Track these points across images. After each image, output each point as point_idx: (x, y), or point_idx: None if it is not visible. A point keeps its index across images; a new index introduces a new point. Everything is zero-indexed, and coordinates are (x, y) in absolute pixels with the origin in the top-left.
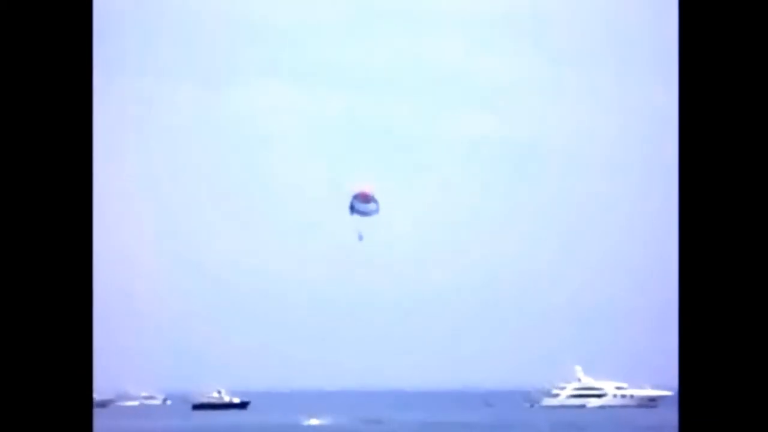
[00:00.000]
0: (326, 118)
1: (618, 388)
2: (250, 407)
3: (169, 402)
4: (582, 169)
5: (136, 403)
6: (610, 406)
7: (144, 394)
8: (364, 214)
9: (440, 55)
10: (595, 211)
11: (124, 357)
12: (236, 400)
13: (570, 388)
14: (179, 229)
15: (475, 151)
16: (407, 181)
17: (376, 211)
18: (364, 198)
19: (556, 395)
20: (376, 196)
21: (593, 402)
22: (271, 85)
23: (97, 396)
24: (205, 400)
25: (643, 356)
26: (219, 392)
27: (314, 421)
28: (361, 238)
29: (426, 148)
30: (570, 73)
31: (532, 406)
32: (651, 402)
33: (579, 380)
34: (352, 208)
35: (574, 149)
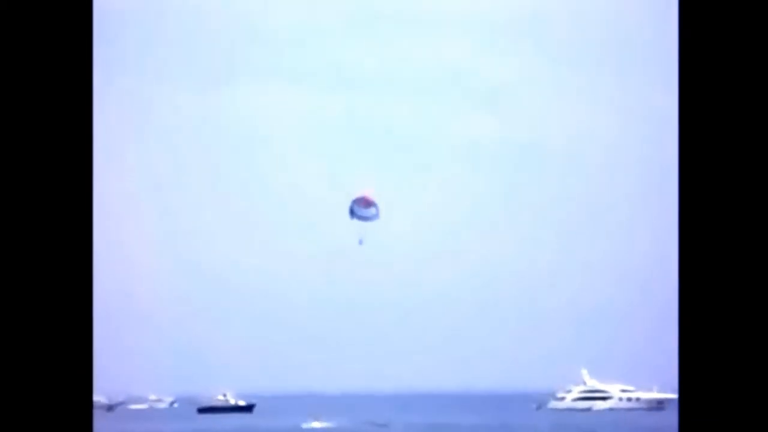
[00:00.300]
0: (326, 120)
1: (624, 390)
2: (255, 410)
3: (176, 405)
4: (585, 169)
5: (144, 406)
6: (617, 409)
7: (152, 397)
8: (364, 219)
9: (440, 56)
10: (599, 212)
11: (133, 361)
12: (242, 403)
13: (576, 391)
14: (183, 232)
15: (476, 153)
16: (408, 182)
17: (377, 216)
18: (364, 203)
19: (563, 398)
20: (377, 201)
21: (599, 405)
22: (271, 87)
23: (104, 399)
24: (210, 403)
25: (650, 359)
26: (224, 395)
27: (320, 424)
28: (361, 242)
29: (426, 150)
30: (570, 73)
31: (538, 408)
32: (658, 405)
33: (585, 383)
34: (353, 213)
35: (576, 150)
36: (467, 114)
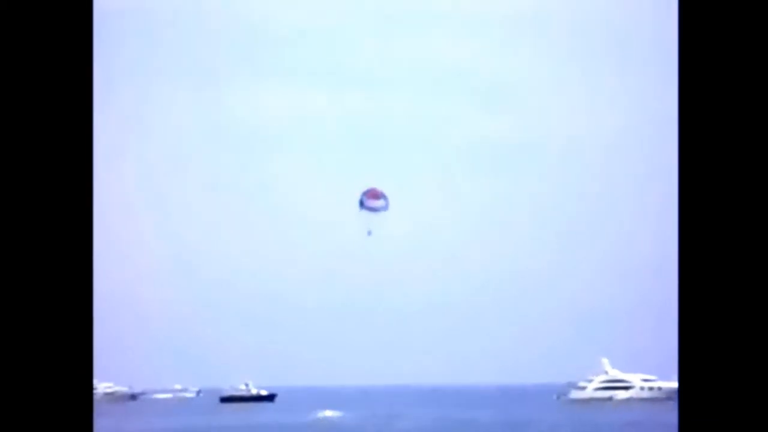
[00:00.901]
0: (330, 119)
1: (645, 380)
2: (277, 400)
3: (201, 395)
4: (601, 164)
5: (169, 395)
6: (638, 399)
7: (178, 387)
8: (373, 210)
9: (443, 55)
10: (608, 207)
11: (159, 352)
12: (263, 393)
13: (597, 381)
14: (187, 231)
15: (483, 151)
16: (416, 180)
17: (386, 207)
18: (373, 195)
19: (583, 388)
20: (386, 194)
21: (620, 394)
22: (273, 86)
23: (127, 389)
24: (233, 393)
25: (664, 350)
26: (246, 385)
27: (333, 413)
28: (370, 233)
29: (431, 149)
30: (575, 73)
31: (558, 398)
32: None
33: (606, 373)
34: (362, 204)
35: (585, 148)
36: (472, 113)
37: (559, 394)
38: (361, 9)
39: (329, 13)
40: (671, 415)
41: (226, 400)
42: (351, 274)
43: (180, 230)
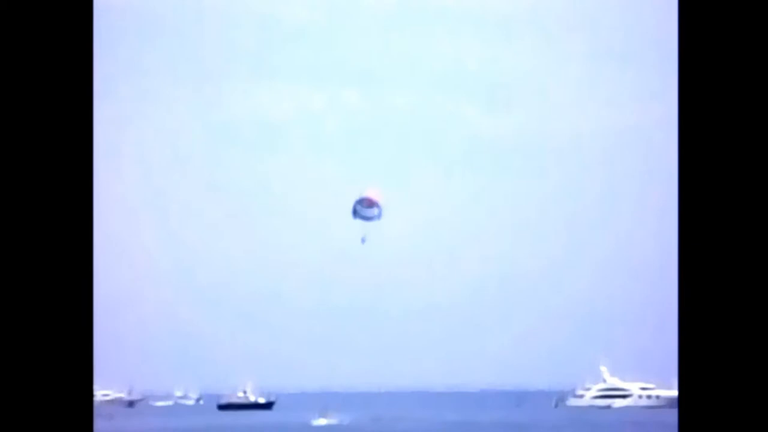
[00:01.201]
0: (330, 118)
1: (643, 388)
2: (274, 407)
3: (202, 402)
4: (601, 163)
5: (170, 402)
6: (636, 407)
7: (178, 393)
8: (366, 219)
9: (444, 54)
10: (612, 207)
11: (158, 355)
12: (261, 400)
13: (595, 389)
14: (189, 232)
15: (480, 151)
16: (415, 177)
17: (379, 216)
18: (367, 203)
19: (581, 396)
20: (382, 200)
21: (619, 403)
22: (273, 86)
23: (125, 395)
24: (231, 400)
25: (664, 356)
26: (244, 392)
27: (327, 421)
28: (364, 240)
29: (429, 149)
30: (579, 73)
31: (556, 405)
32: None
33: (604, 381)
34: (355, 212)
35: (592, 147)
36: (472, 113)
37: (557, 401)
38: (360, 8)
39: (329, 13)
40: (671, 419)
41: (224, 407)
42: (351, 276)
43: (180, 230)
